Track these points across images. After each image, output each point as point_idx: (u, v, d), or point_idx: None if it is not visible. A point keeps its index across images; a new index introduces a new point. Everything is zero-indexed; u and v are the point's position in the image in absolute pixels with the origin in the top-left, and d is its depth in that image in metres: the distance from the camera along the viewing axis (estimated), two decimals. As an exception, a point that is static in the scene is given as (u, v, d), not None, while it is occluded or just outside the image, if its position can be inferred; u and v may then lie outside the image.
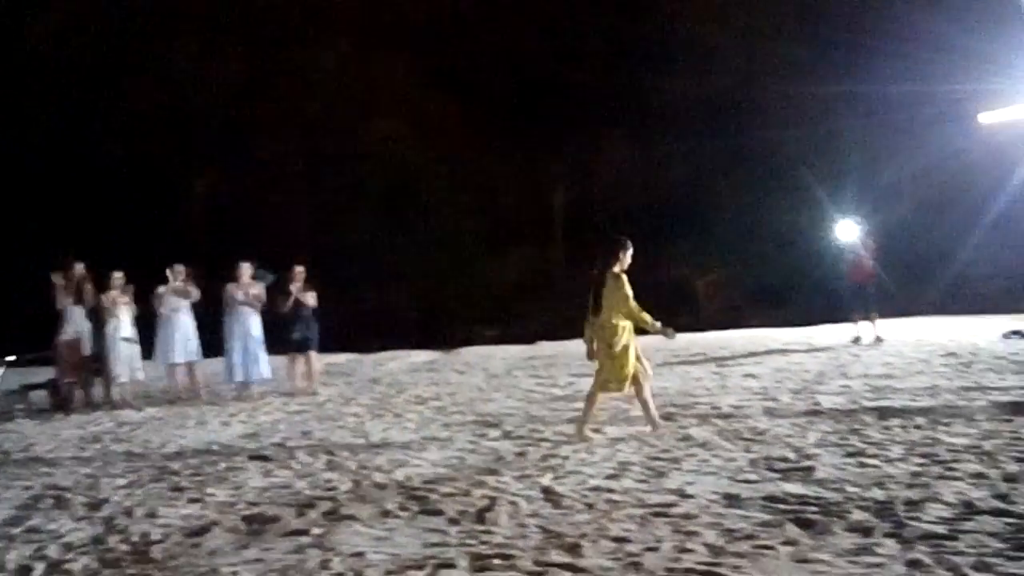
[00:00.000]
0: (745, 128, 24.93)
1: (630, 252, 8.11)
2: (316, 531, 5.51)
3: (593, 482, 6.29)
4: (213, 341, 13.09)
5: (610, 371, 7.99)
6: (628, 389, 8.06)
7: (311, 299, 12.87)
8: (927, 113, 21.66)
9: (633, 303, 7.90)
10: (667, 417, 8.71)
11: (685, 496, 5.76)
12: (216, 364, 13.41)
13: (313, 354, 12.91)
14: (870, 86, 22.99)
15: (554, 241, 29.77)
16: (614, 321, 7.90)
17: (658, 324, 7.94)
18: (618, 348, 7.90)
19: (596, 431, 8.20)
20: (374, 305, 25.67)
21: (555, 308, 26.23)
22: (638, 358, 8.06)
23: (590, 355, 8.16)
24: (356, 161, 27.73)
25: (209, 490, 6.83)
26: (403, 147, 28.20)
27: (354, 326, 20.15)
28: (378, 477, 6.86)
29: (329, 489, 6.57)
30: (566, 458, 7.14)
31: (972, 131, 21.63)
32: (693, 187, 27.71)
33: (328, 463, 7.56)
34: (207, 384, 13.31)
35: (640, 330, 8.04)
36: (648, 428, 8.07)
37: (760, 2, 26.77)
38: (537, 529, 5.25)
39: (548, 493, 6.05)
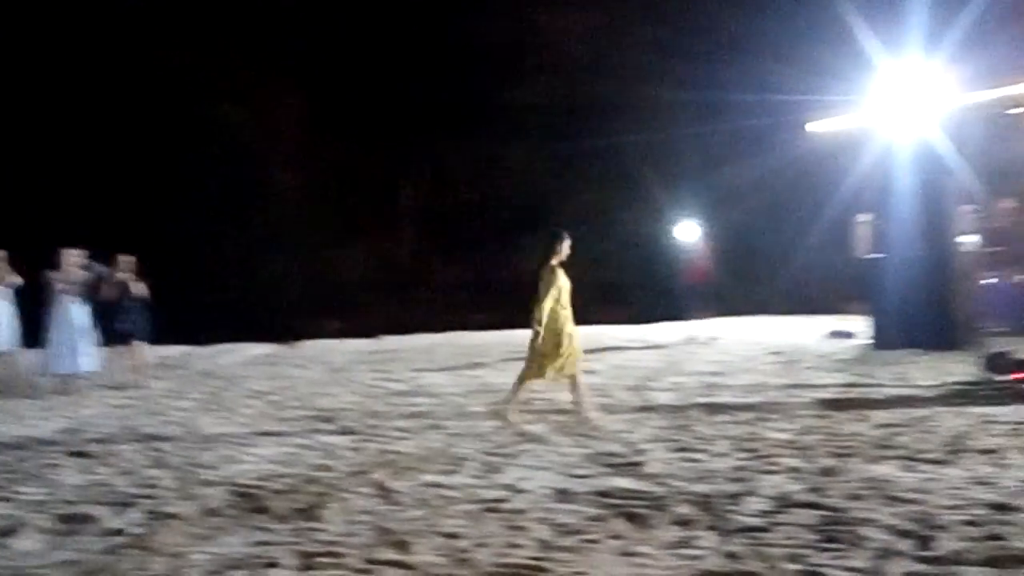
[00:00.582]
0: (592, 130, 25.40)
1: (567, 244, 8.32)
2: (135, 531, 5.26)
3: (428, 478, 6.24)
4: (36, 331, 12.38)
5: (549, 358, 8.20)
6: (556, 377, 8.29)
7: (140, 289, 12.35)
8: (764, 121, 22.57)
9: (547, 300, 8.07)
10: (499, 413, 8.75)
11: (518, 491, 5.79)
12: (38, 355, 12.69)
13: (139, 345, 12.38)
14: (711, 93, 23.77)
15: (400, 236, 29.62)
16: (553, 311, 8.10)
17: (539, 327, 8.13)
18: (562, 336, 8.17)
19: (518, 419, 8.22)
20: (212, 296, 24.91)
21: (400, 302, 26.14)
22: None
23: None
24: (201, 150, 26.86)
25: (21, 488, 6.43)
26: (247, 138, 27.49)
27: (190, 318, 19.49)
28: (205, 474, 6.62)
29: (152, 487, 6.30)
30: (402, 454, 7.08)
31: (804, 139, 22.66)
32: (540, 186, 28.07)
33: (152, 460, 7.25)
34: (26, 376, 12.58)
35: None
36: (581, 416, 8.21)
37: (606, 7, 27.32)
38: (368, 526, 5.16)
39: (381, 489, 5.97)
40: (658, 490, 5.66)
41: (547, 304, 8.10)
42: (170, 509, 5.66)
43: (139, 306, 12.32)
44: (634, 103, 25.57)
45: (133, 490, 6.24)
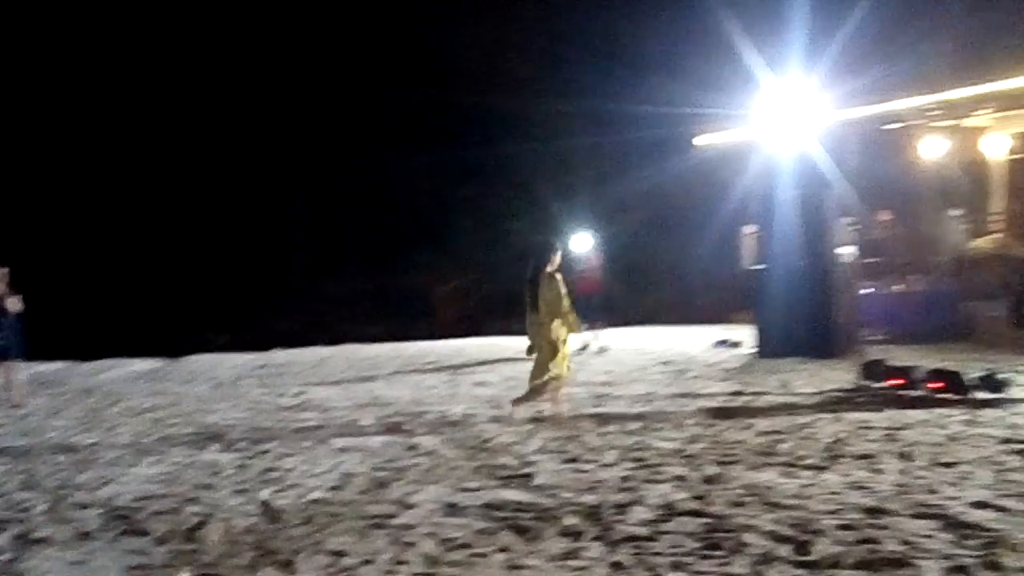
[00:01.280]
0: (486, 141, 25.47)
1: (560, 253, 9.00)
2: (2, 557, 5.02)
3: (314, 495, 6.13)
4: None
5: (548, 359, 8.75)
6: (567, 373, 8.96)
7: (15, 304, 11.81)
8: (654, 134, 23.00)
9: (566, 301, 8.72)
10: (396, 427, 8.69)
11: (407, 506, 5.73)
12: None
13: (15, 363, 11.84)
14: (603, 104, 24.10)
15: (291, 248, 29.20)
16: (552, 315, 8.67)
17: (576, 324, 9.02)
18: (559, 339, 8.76)
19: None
20: (94, 309, 24.09)
21: (292, 315, 25.71)
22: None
23: (530, 351, 8.90)
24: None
25: None
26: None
27: (70, 332, 18.81)
28: (80, 496, 6.36)
29: (23, 510, 6.02)
30: (289, 471, 6.93)
31: (691, 153, 23.19)
32: (434, 198, 28.03)
33: (24, 482, 6.92)
34: None
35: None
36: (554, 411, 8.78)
37: (500, 18, 27.47)
38: (251, 546, 5.03)
39: (266, 507, 5.83)
40: (546, 501, 5.67)
41: (565, 303, 8.73)
42: (41, 533, 5.42)
43: (12, 321, 11.77)
44: (528, 114, 25.75)
45: (2, 514, 5.95)
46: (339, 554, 4.82)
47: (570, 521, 5.20)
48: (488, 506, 5.62)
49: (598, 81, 24.58)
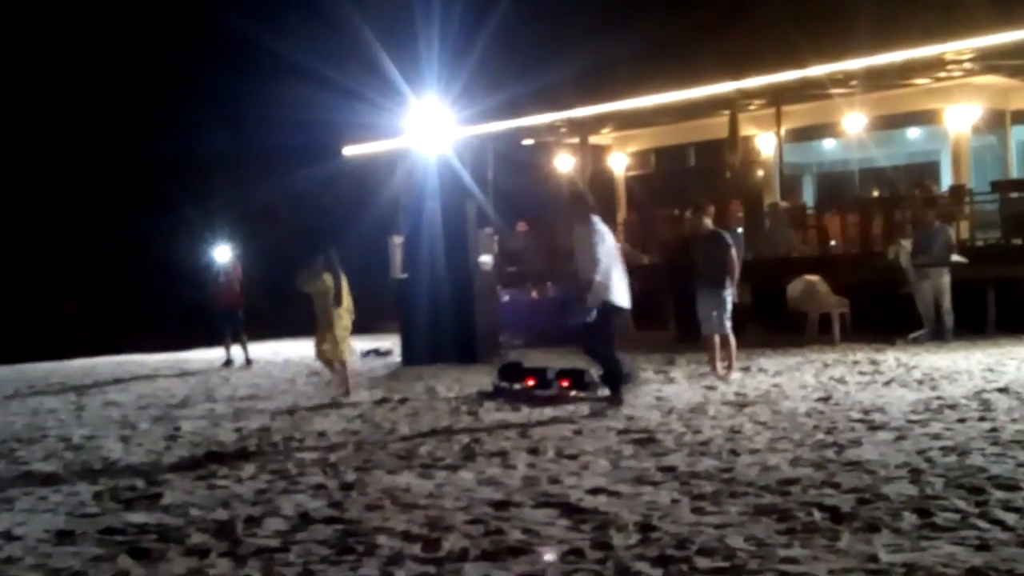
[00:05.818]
0: (114, 146, 23.97)
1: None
2: None
3: None
4: None
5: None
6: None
7: None
8: (301, 140, 22.76)
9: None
10: (5, 454, 7.87)
11: (11, 538, 5.16)
12: None
13: None
14: (244, 108, 23.46)
15: None
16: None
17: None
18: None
19: None
20: None
21: None
22: None
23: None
24: None
25: None
26: None
27: None
28: None
29: None
30: None
31: (340, 161, 23.21)
32: (64, 208, 25.98)
33: None
34: None
35: None
36: None
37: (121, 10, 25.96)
38: None
39: None
40: (174, 521, 5.35)
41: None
42: None
43: None
44: (155, 117, 24.49)
45: None
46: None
47: (198, 539, 4.93)
48: (107, 531, 5.20)
49: (237, 85, 23.88)
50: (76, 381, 14.08)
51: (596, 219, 8.95)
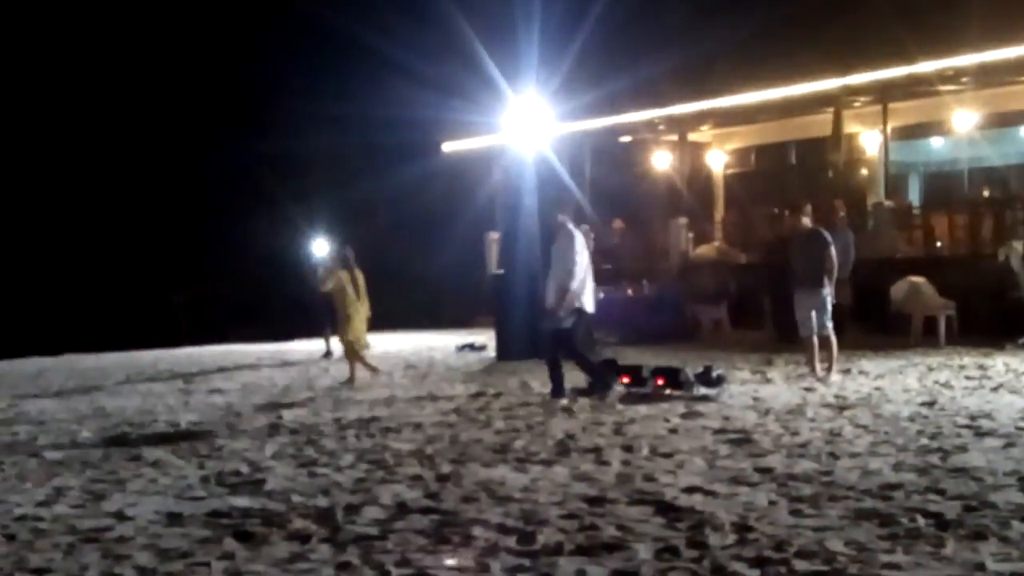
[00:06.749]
0: (222, 142, 24.65)
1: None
2: None
3: (20, 511, 5.64)
4: None
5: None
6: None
7: None
8: (400, 137, 23.06)
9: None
10: (120, 439, 8.19)
11: (124, 519, 5.38)
12: None
13: None
14: (344, 106, 23.86)
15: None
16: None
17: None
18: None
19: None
20: None
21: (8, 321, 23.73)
22: None
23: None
24: None
25: None
26: None
27: None
28: None
29: None
30: (-9, 486, 6.35)
31: (439, 158, 23.44)
32: (174, 203, 26.83)
33: None
34: None
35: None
36: None
37: (233, 13, 26.66)
38: (-59, 569, 4.56)
39: (-39, 527, 5.30)
40: (276, 506, 5.50)
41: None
42: None
43: None
44: (265, 116, 25.09)
45: None
46: (42, 571, 4.46)
47: (299, 524, 5.07)
48: (213, 514, 5.38)
49: (338, 83, 24.31)
50: (183, 369, 14.56)
51: (572, 227, 9.70)
